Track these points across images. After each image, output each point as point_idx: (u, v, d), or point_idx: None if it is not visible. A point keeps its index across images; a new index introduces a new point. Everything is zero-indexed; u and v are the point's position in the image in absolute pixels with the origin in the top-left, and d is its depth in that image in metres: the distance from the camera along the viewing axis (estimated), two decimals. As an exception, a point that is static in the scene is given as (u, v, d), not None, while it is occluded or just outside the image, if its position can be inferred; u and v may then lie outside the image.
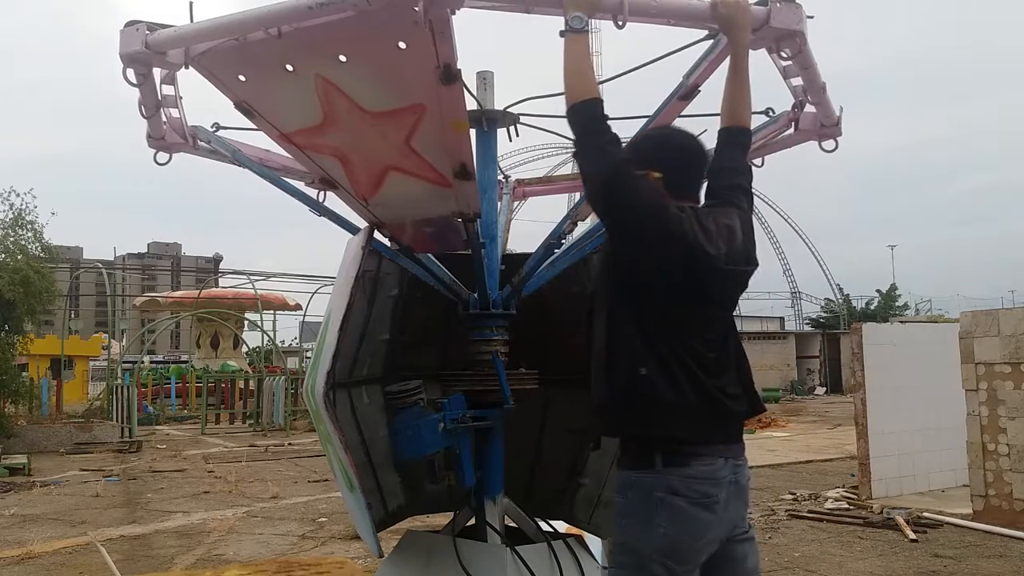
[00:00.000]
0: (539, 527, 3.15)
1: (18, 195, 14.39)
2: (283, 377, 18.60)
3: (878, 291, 46.51)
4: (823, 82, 2.80)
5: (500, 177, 3.63)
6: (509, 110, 3.17)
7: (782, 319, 44.90)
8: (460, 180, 2.56)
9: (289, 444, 15.03)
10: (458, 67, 2.23)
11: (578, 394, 2.60)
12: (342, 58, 2.24)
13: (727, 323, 2.27)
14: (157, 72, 2.76)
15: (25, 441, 13.79)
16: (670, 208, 2.10)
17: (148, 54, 2.49)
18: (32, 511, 8.43)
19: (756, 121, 3.13)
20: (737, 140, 2.38)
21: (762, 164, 3.31)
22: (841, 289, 47.66)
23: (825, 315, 46.79)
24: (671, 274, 2.11)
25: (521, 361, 3.06)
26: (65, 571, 5.97)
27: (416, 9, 2.03)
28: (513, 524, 3.18)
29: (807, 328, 44.72)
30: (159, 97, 2.91)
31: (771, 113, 3.12)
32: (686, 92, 2.74)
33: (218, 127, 3.28)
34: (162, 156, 3.24)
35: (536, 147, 40.29)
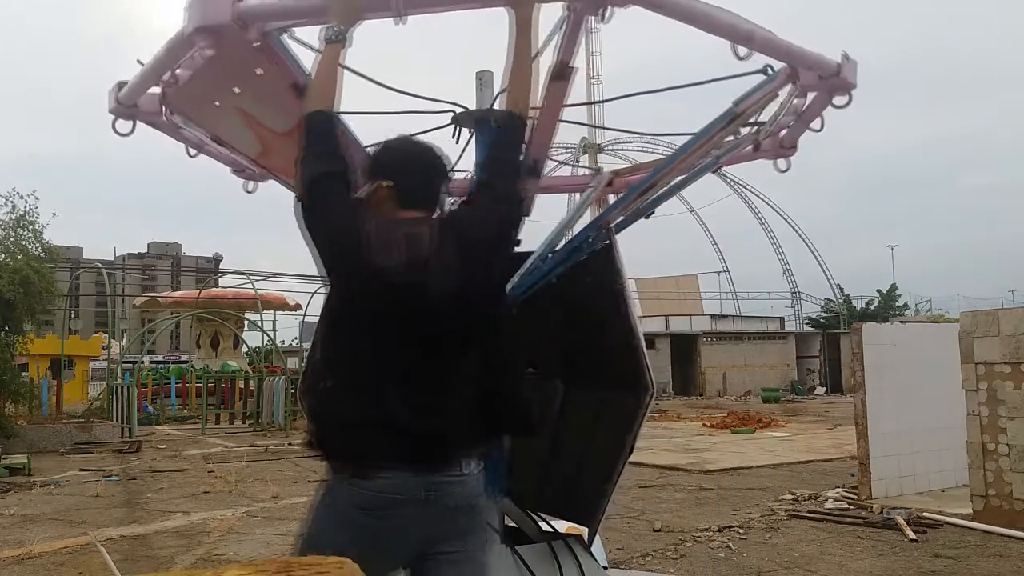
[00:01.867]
0: (539, 527, 3.15)
1: (22, 197, 14.42)
2: (283, 377, 18.59)
3: (878, 291, 46.57)
4: (747, 28, 2.53)
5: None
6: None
7: (782, 319, 44.82)
8: None
9: (289, 444, 15.02)
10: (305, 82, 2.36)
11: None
12: (236, 90, 2.44)
13: (436, 341, 2.08)
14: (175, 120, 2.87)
15: (25, 441, 13.78)
16: (347, 225, 2.06)
17: (122, 109, 2.67)
18: (32, 511, 8.43)
19: (754, 80, 2.92)
20: (501, 128, 2.23)
21: (822, 127, 3.12)
22: (841, 289, 47.63)
23: (825, 315, 46.77)
24: (348, 289, 2.09)
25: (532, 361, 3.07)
26: (65, 571, 5.97)
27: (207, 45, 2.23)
28: (513, 524, 3.18)
29: (807, 328, 44.68)
30: (192, 139, 2.99)
31: (770, 71, 2.87)
32: (558, 72, 2.54)
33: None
34: (250, 185, 3.37)
35: (536, 147, 40.21)
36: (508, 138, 2.22)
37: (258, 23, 2.20)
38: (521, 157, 2.24)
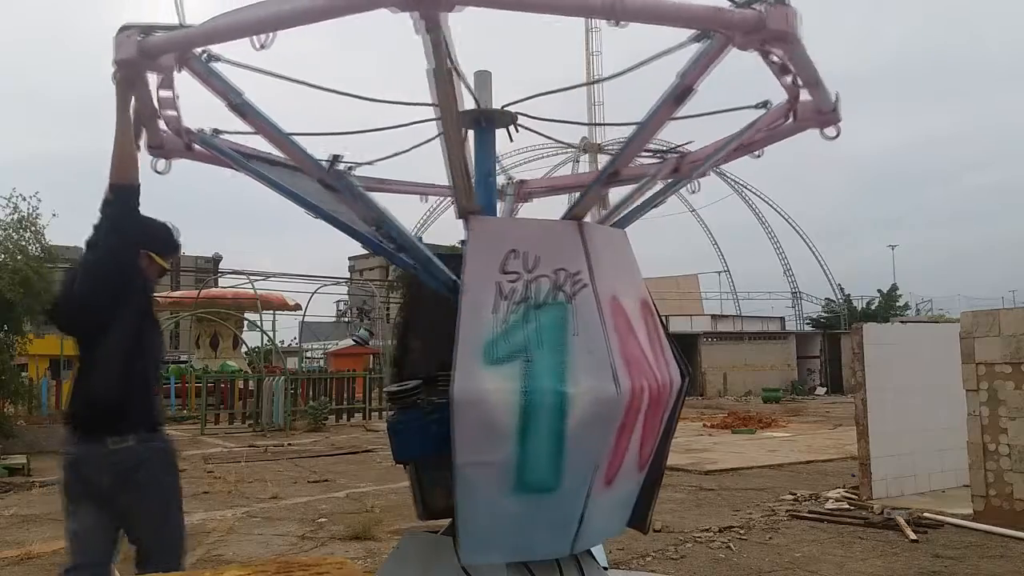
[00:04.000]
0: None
1: (24, 199, 14.37)
2: (283, 377, 18.58)
3: (879, 291, 46.47)
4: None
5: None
6: (507, 109, 3.16)
7: (783, 319, 44.78)
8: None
9: (289, 444, 15.02)
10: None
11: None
12: None
13: (91, 346, 3.16)
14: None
15: (25, 441, 13.77)
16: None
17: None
18: (32, 511, 8.42)
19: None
20: (106, 197, 3.06)
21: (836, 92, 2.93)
22: (842, 289, 47.56)
23: (826, 315, 46.70)
24: None
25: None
26: (64, 571, 5.95)
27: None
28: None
29: (808, 328, 44.64)
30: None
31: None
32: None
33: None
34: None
35: (536, 147, 40.27)
36: (110, 202, 3.07)
37: (164, 54, 2.53)
38: (122, 217, 3.09)
